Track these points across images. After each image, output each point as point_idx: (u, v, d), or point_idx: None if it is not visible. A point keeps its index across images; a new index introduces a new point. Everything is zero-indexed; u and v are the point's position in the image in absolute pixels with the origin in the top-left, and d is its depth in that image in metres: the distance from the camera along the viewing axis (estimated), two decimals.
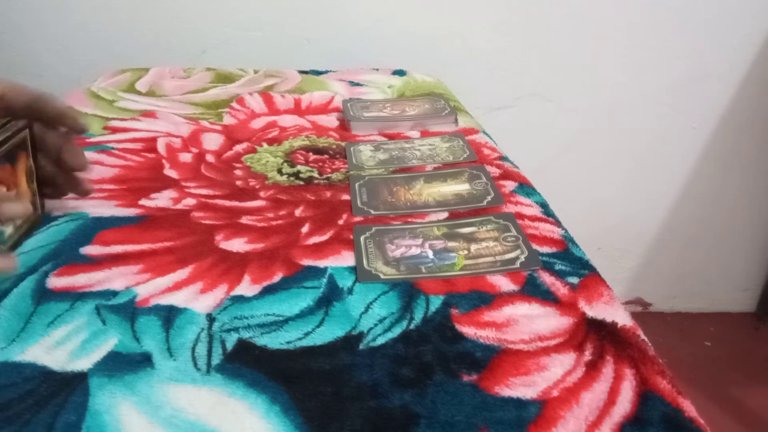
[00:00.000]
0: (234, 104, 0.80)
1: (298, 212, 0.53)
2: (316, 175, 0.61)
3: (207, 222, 0.51)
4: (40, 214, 0.46)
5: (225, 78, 0.92)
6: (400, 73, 0.99)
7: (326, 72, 0.98)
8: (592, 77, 1.21)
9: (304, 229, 0.50)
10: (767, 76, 1.22)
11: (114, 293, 0.41)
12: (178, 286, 0.42)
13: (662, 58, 1.19)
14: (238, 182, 0.58)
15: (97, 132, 0.69)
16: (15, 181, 0.43)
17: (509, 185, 0.59)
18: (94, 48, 1.10)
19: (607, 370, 0.35)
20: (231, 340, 0.37)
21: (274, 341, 0.37)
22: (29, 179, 0.44)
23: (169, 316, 0.39)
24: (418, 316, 0.39)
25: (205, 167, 0.62)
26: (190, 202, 0.54)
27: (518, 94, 1.21)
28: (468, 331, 0.38)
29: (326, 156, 0.65)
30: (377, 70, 1.01)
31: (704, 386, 1.28)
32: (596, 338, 0.38)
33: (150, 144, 0.66)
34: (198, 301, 0.40)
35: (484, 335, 0.38)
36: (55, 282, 0.42)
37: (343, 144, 0.69)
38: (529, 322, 0.39)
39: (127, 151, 0.64)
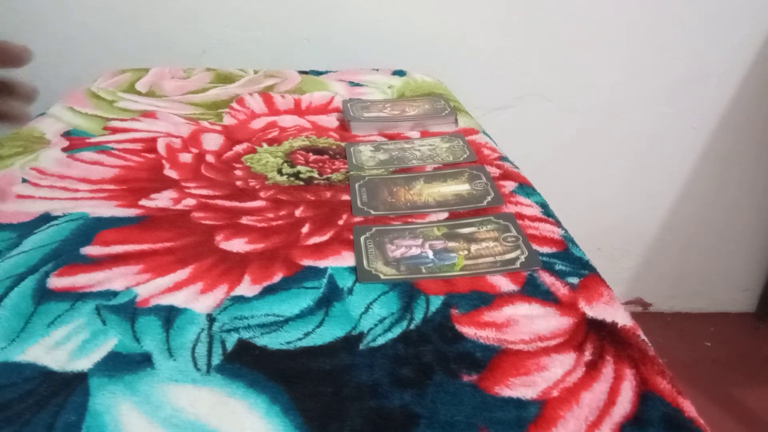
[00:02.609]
0: (234, 104, 0.80)
1: (298, 212, 0.53)
2: (316, 175, 0.61)
3: (207, 222, 0.51)
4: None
5: (225, 78, 0.92)
6: (400, 73, 0.99)
7: (326, 72, 0.98)
8: (592, 77, 1.21)
9: (304, 229, 0.50)
10: (767, 76, 1.22)
11: (114, 293, 0.41)
12: (178, 287, 0.42)
13: (662, 58, 1.19)
14: (238, 182, 0.58)
15: (97, 132, 0.69)
16: None
17: (509, 185, 0.59)
18: (94, 48, 1.10)
19: (607, 370, 0.35)
20: (231, 341, 0.37)
21: (274, 341, 0.37)
22: None
23: (169, 316, 0.39)
24: (418, 316, 0.39)
25: (205, 168, 0.62)
26: (190, 202, 0.54)
27: (518, 94, 1.21)
28: (468, 331, 0.38)
29: (326, 156, 0.65)
30: (377, 70, 1.01)
31: (704, 386, 1.28)
32: (596, 338, 0.38)
33: (150, 144, 0.66)
34: (198, 301, 0.40)
35: (484, 335, 0.38)
36: (55, 282, 0.42)
37: (343, 144, 0.69)
38: (529, 322, 0.39)
39: (127, 151, 0.64)
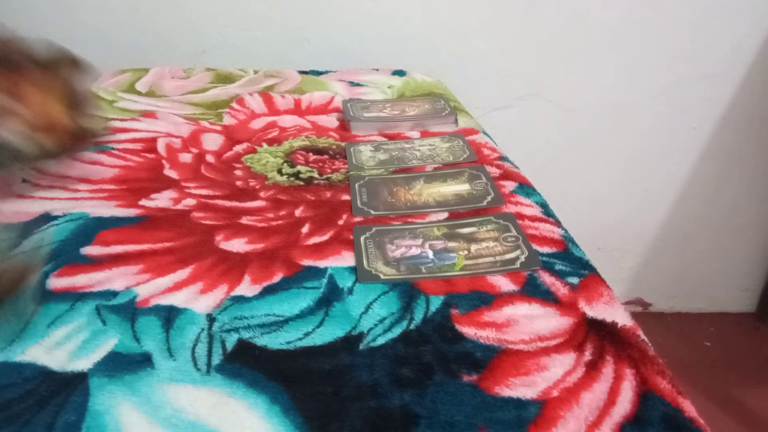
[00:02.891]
0: (234, 104, 0.80)
1: (298, 212, 0.53)
2: (316, 175, 0.61)
3: (207, 222, 0.51)
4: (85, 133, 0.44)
5: (225, 78, 0.92)
6: (400, 73, 0.99)
7: (326, 72, 0.98)
8: (592, 77, 1.21)
9: (304, 229, 0.50)
10: (767, 76, 1.22)
11: (114, 293, 0.41)
12: (178, 287, 0.42)
13: (662, 58, 1.19)
14: (238, 182, 0.58)
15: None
16: (21, 93, 0.40)
17: (509, 185, 0.59)
18: (94, 48, 1.10)
19: (607, 370, 0.35)
20: (231, 341, 0.37)
21: (274, 341, 0.37)
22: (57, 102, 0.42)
23: (169, 316, 0.39)
24: (418, 316, 0.39)
25: (205, 168, 0.62)
26: (190, 202, 0.54)
27: (518, 94, 1.21)
28: (468, 331, 0.38)
29: (326, 156, 0.65)
30: (377, 70, 1.01)
31: (704, 386, 1.28)
32: (596, 338, 0.38)
33: (150, 144, 0.66)
34: (198, 301, 0.40)
35: (484, 335, 0.38)
36: (55, 282, 0.42)
37: (343, 144, 0.69)
38: (529, 322, 0.39)
39: (127, 151, 0.64)
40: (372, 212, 0.53)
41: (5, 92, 0.40)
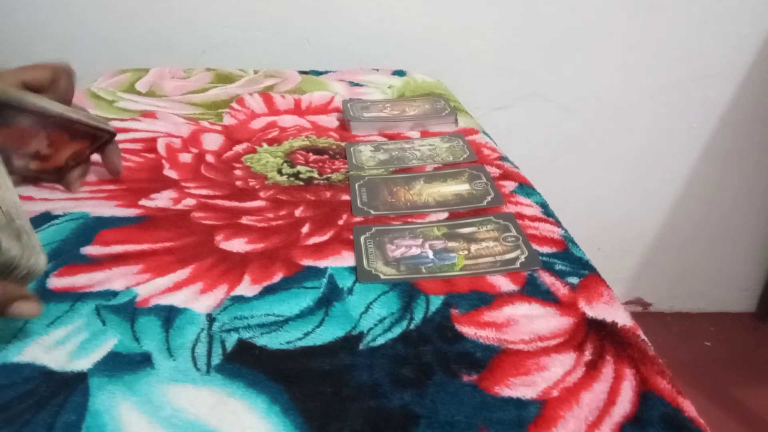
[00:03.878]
0: (234, 104, 0.80)
1: (298, 212, 0.53)
2: (316, 175, 0.61)
3: (207, 222, 0.51)
4: (65, 184, 0.55)
5: (225, 78, 0.92)
6: (400, 73, 0.99)
7: (326, 72, 0.98)
8: (592, 77, 1.21)
9: (304, 229, 0.50)
10: (767, 76, 1.22)
11: (114, 293, 0.41)
12: (178, 287, 0.42)
13: (662, 58, 1.19)
14: (238, 182, 0.58)
15: None
16: (58, 147, 0.50)
17: (509, 185, 0.59)
18: (94, 48, 1.10)
19: (607, 370, 0.35)
20: (231, 341, 0.37)
21: (274, 341, 0.37)
22: (72, 158, 0.52)
23: (169, 316, 0.39)
24: (418, 316, 0.39)
25: (205, 167, 0.62)
26: (190, 202, 0.54)
27: (518, 94, 1.21)
28: (468, 331, 0.38)
29: (326, 156, 0.65)
30: (377, 70, 1.01)
31: (704, 386, 1.28)
32: (596, 338, 0.38)
33: (150, 144, 0.66)
34: (198, 301, 0.40)
35: (484, 335, 0.38)
36: (55, 282, 0.42)
37: (343, 144, 0.69)
38: (529, 322, 0.39)
39: (127, 151, 0.64)
40: (372, 212, 0.53)
41: (51, 144, 0.50)
